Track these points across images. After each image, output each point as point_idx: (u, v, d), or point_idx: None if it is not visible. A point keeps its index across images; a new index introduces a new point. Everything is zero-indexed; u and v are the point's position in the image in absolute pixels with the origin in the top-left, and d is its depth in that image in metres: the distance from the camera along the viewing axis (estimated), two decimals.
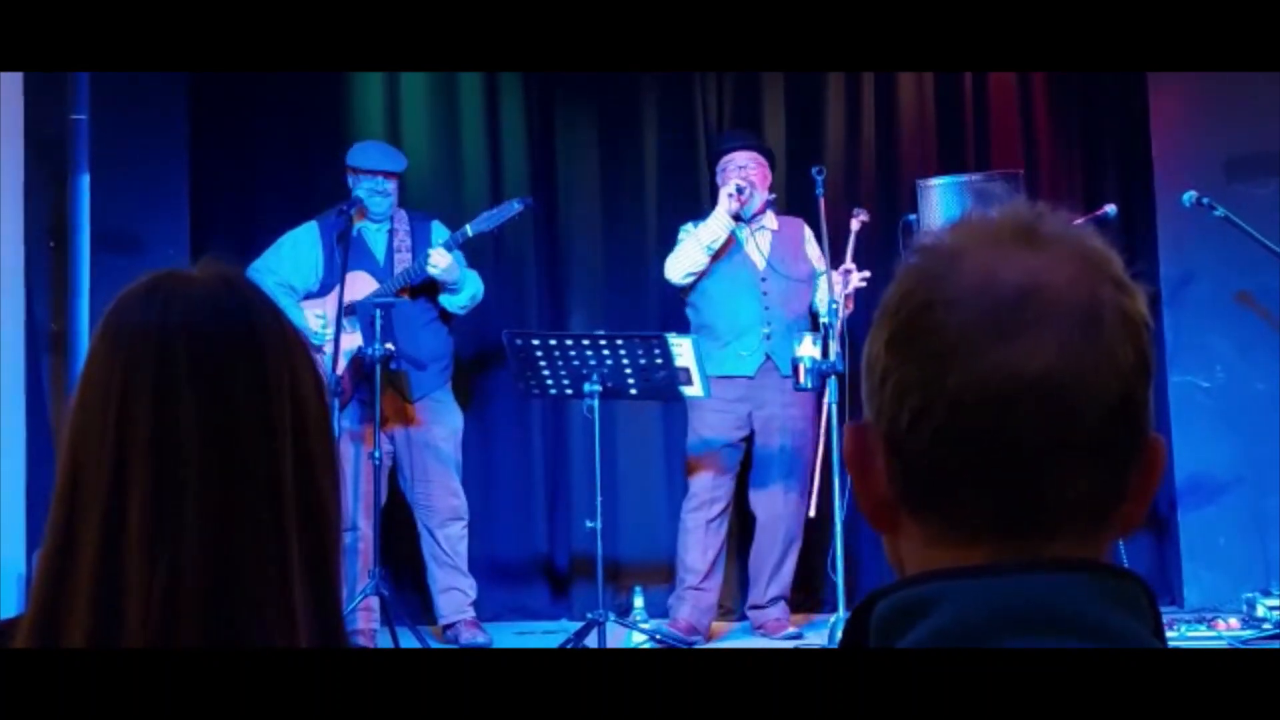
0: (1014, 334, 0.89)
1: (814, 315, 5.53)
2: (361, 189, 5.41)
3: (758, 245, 5.55)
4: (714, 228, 5.42)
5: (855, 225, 5.37)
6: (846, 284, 5.20)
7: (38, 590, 1.15)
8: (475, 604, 5.53)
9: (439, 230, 5.47)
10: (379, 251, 5.49)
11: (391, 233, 5.51)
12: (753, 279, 5.48)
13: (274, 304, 1.24)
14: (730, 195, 5.40)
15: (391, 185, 5.48)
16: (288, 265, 5.46)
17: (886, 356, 0.93)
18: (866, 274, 5.24)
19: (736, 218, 5.45)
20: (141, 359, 1.16)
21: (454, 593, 5.43)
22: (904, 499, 0.94)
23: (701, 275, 5.46)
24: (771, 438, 5.45)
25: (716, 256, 5.44)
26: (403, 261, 5.40)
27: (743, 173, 5.49)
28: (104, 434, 1.15)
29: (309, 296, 5.44)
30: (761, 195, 5.53)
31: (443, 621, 5.47)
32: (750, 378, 5.42)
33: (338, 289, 5.14)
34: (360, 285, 5.31)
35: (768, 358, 5.42)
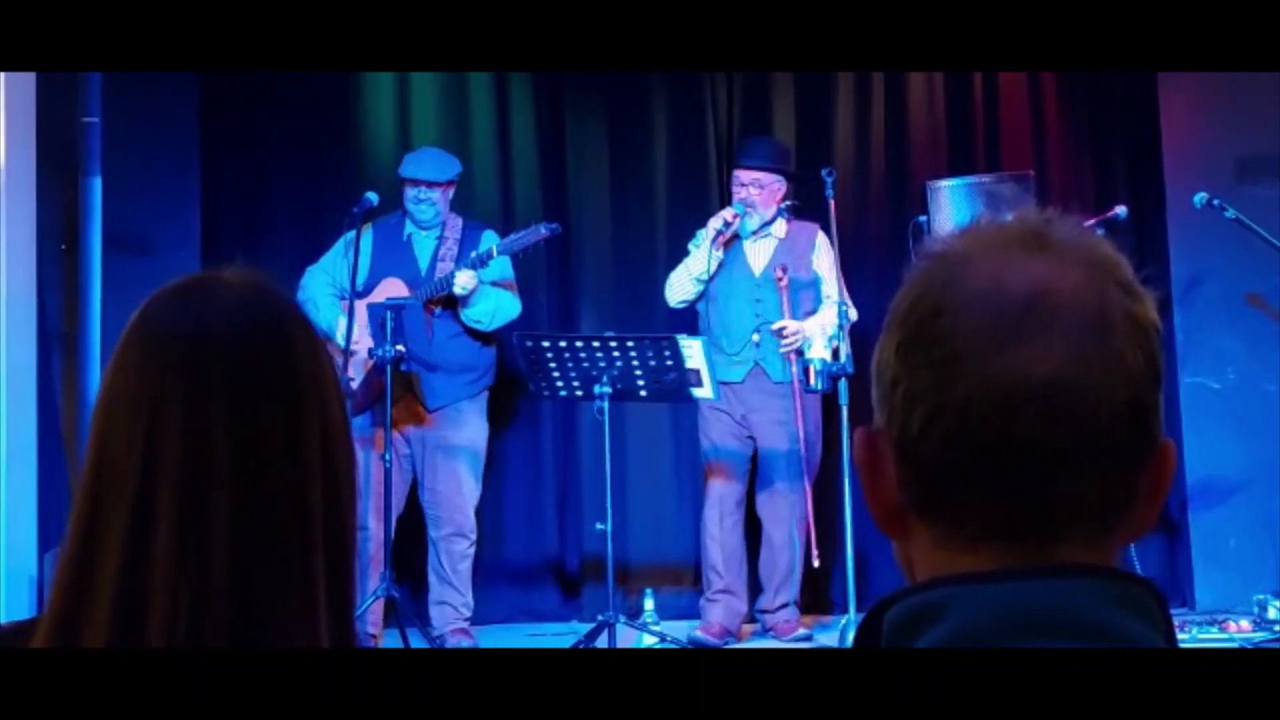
0: (1022, 340, 0.89)
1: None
2: (406, 196, 5.45)
3: (759, 253, 5.56)
4: (701, 260, 5.47)
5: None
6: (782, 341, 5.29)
7: (57, 591, 1.14)
8: (469, 620, 5.51)
9: (490, 240, 5.45)
10: (424, 259, 5.50)
11: (440, 240, 5.51)
12: (748, 287, 5.49)
13: (304, 314, 1.23)
14: (717, 230, 5.43)
15: (436, 194, 5.47)
16: (334, 264, 5.49)
17: (896, 362, 0.93)
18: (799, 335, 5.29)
19: (735, 236, 5.48)
20: (175, 364, 1.16)
21: (445, 607, 5.39)
22: (914, 504, 0.94)
23: (701, 293, 5.51)
24: (770, 444, 5.46)
25: (720, 265, 5.47)
26: (444, 270, 5.40)
27: (743, 192, 5.50)
28: (133, 437, 1.14)
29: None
30: (760, 216, 5.51)
31: (434, 633, 5.43)
32: (740, 383, 5.43)
33: (353, 294, 5.15)
34: (392, 291, 5.33)
35: (756, 364, 5.43)
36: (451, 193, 5.57)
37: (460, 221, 5.57)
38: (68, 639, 1.12)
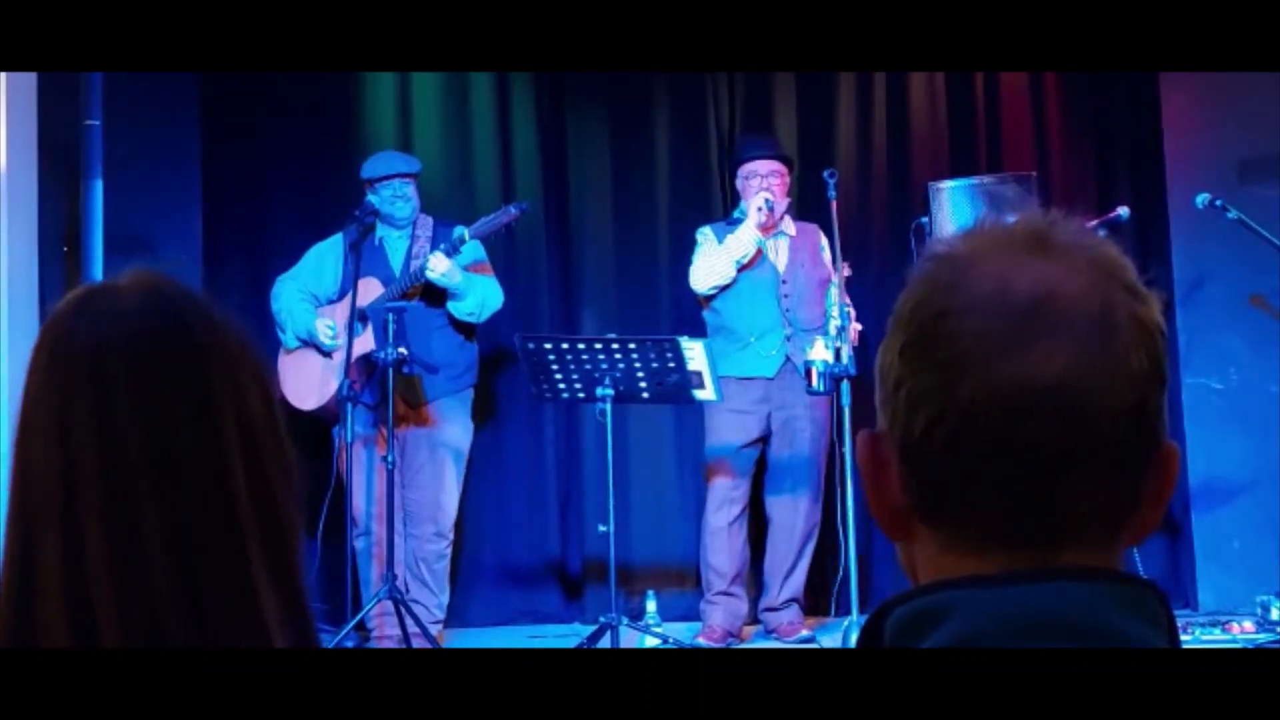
0: (1027, 342, 0.89)
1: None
2: (382, 196, 5.42)
3: (778, 250, 5.56)
4: (744, 242, 5.43)
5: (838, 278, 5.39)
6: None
7: (2, 604, 1.14)
8: (442, 622, 5.48)
9: (461, 232, 5.43)
10: (396, 259, 5.49)
11: (413, 239, 5.50)
12: (773, 283, 5.49)
13: (210, 311, 1.22)
14: (759, 209, 5.40)
15: (410, 189, 5.47)
16: (309, 274, 5.51)
17: (900, 365, 0.93)
18: (859, 327, 5.25)
19: (765, 228, 5.46)
20: (78, 379, 1.15)
21: (417, 606, 5.27)
22: (918, 507, 0.94)
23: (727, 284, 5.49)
24: (787, 440, 5.47)
25: (743, 266, 5.46)
26: (414, 269, 5.39)
27: (765, 183, 5.49)
28: (50, 458, 1.14)
29: (329, 303, 5.47)
30: (782, 204, 5.53)
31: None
32: (770, 379, 5.43)
33: (350, 294, 5.15)
34: (370, 291, 5.31)
35: (788, 359, 5.43)
36: (418, 187, 5.54)
37: (431, 220, 5.56)
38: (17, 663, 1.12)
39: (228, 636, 1.13)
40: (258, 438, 1.19)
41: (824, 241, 5.63)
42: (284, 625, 1.16)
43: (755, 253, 5.45)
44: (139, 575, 1.12)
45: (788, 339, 5.44)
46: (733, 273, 5.44)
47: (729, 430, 5.46)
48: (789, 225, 5.61)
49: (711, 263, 5.47)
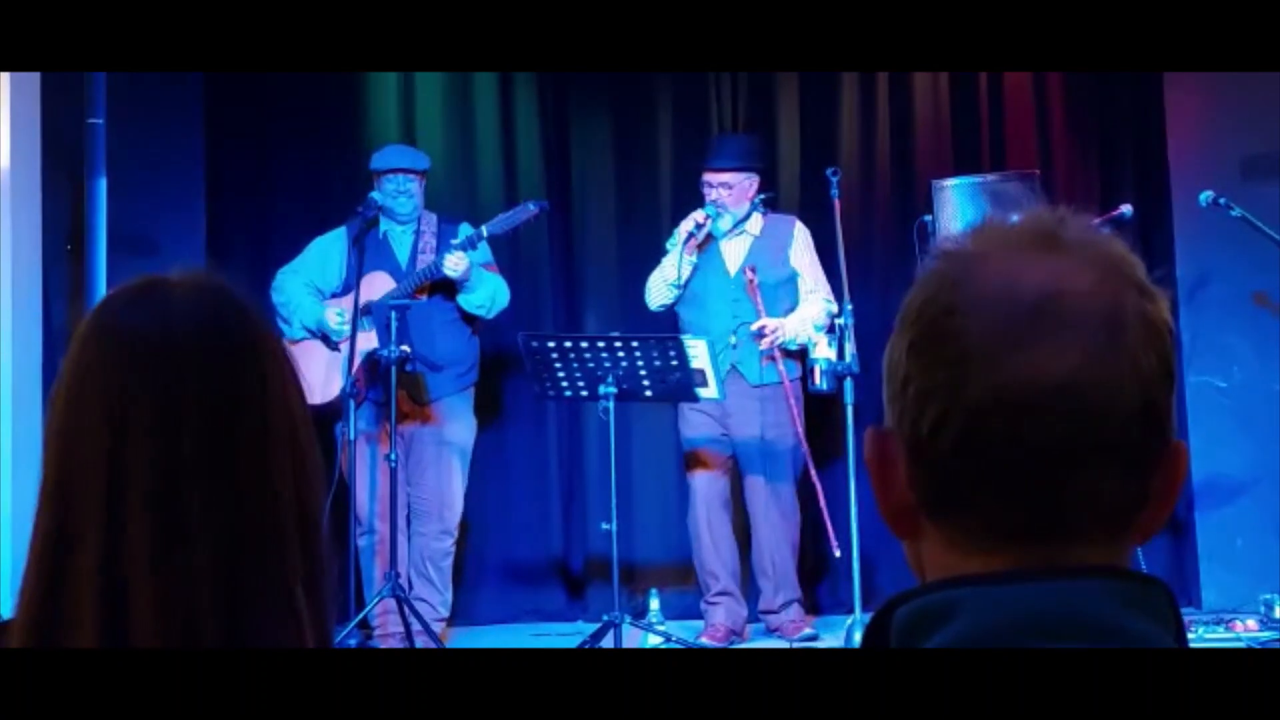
0: (1035, 340, 0.89)
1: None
2: (385, 190, 5.41)
3: (734, 252, 5.51)
4: (673, 266, 5.42)
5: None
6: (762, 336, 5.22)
7: (29, 597, 1.13)
8: (445, 620, 5.48)
9: (467, 231, 5.40)
10: (402, 254, 5.49)
11: (418, 234, 5.50)
12: (724, 287, 5.46)
13: (262, 312, 1.23)
14: (689, 234, 5.38)
15: (414, 185, 5.47)
16: (314, 267, 5.50)
17: (908, 362, 0.93)
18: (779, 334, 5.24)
19: (708, 236, 5.43)
20: (142, 367, 1.15)
21: (422, 604, 5.28)
22: (925, 505, 0.94)
23: (679, 296, 5.48)
24: (751, 444, 5.43)
25: (695, 267, 5.44)
26: (425, 263, 5.39)
27: (712, 194, 5.44)
28: (100, 440, 1.14)
29: (334, 296, 5.47)
30: (732, 215, 5.44)
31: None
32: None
33: (357, 292, 5.14)
34: (379, 285, 5.31)
35: (733, 367, 5.37)
36: (424, 185, 5.55)
37: (435, 216, 5.56)
38: (46, 640, 1.12)
39: (262, 637, 1.13)
40: (301, 439, 1.20)
41: (798, 235, 5.55)
42: (311, 621, 1.16)
43: (690, 270, 5.41)
44: (180, 571, 1.12)
45: (733, 346, 5.38)
46: (672, 294, 5.46)
47: (691, 428, 5.46)
48: (755, 223, 5.53)
49: (654, 283, 5.51)
